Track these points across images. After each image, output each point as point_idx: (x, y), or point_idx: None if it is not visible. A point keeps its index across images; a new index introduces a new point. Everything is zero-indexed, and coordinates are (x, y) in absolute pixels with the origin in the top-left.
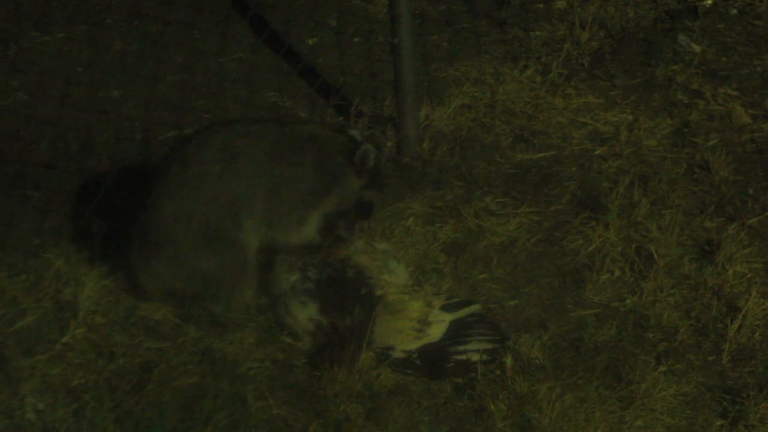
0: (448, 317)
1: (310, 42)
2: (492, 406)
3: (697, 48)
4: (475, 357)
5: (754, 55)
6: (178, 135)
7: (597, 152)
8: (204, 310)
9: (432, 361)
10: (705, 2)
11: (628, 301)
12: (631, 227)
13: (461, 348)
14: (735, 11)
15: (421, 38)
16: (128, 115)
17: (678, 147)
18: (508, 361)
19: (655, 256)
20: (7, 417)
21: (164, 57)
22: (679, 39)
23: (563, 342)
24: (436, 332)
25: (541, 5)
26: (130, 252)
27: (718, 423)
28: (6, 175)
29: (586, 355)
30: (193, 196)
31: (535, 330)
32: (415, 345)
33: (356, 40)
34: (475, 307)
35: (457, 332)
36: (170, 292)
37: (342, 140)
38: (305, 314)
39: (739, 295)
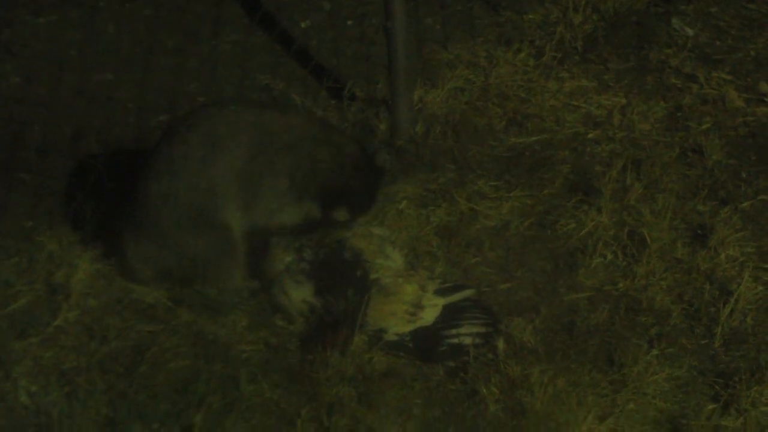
0: (442, 301)
1: (303, 24)
2: (484, 390)
3: (690, 31)
4: (468, 340)
5: (747, 38)
6: (170, 118)
7: (590, 136)
8: (196, 293)
9: (425, 344)
10: None
11: (620, 285)
12: (623, 211)
13: (454, 331)
14: None
15: (414, 21)
16: (121, 98)
17: (671, 131)
18: (501, 344)
19: (648, 239)
20: (0, 400)
21: (157, 40)
22: (673, 22)
23: (556, 326)
24: (429, 316)
25: None
26: (121, 231)
27: (710, 407)
28: None
29: (579, 339)
30: (177, 177)
31: (527, 313)
32: (408, 328)
33: (349, 22)
34: (468, 292)
35: (450, 316)
36: (160, 274)
37: (328, 153)
38: (300, 295)
39: (731, 279)
